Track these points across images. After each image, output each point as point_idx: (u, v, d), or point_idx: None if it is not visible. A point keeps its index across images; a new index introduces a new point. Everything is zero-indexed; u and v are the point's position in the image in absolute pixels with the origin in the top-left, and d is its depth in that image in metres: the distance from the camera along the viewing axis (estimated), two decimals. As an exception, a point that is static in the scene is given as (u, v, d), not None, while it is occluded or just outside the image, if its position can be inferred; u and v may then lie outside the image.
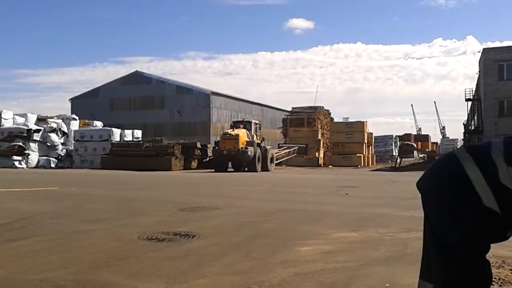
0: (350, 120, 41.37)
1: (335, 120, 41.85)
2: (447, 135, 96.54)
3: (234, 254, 4.65)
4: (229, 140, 23.89)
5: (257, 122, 27.69)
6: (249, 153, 23.68)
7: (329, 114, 41.07)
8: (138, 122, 40.97)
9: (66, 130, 29.64)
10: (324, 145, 35.88)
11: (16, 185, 12.97)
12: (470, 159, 1.79)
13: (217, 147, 24.46)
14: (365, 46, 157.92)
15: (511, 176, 1.66)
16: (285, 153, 30.20)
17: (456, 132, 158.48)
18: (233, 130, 24.66)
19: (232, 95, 52.20)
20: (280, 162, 29.60)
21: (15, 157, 26.50)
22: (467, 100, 38.88)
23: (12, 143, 26.74)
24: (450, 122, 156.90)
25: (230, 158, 24.12)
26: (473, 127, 38.90)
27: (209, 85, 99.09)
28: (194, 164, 26.23)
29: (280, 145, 34.44)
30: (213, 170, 23.98)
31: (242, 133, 24.41)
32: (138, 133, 32.08)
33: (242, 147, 23.66)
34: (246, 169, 24.68)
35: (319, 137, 34.72)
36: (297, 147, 31.26)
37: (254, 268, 4.12)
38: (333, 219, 7.13)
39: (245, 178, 18.47)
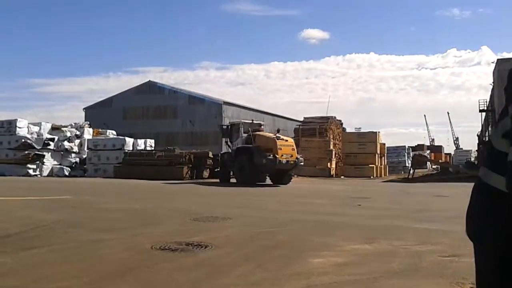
0: (362, 130, 41.17)
1: (348, 130, 41.67)
2: (460, 146, 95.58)
3: (247, 265, 4.65)
4: (287, 147, 20.21)
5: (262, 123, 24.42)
6: (302, 163, 20.96)
7: (341, 124, 40.93)
8: (151, 131, 41.20)
9: (80, 139, 29.91)
10: (336, 155, 35.70)
11: (30, 194, 13.10)
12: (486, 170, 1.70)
13: (269, 155, 19.23)
14: (378, 57, 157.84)
15: None
16: None
17: (470, 143, 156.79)
18: (275, 134, 20.95)
19: (244, 104, 52.25)
20: None
21: (29, 165, 26.78)
22: (481, 111, 38.59)
23: (26, 152, 27.05)
24: (464, 133, 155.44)
25: (282, 170, 20.12)
26: (487, 138, 38.52)
27: (221, 95, 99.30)
28: (206, 173, 26.21)
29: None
30: (241, 184, 19.43)
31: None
32: (151, 143, 32.25)
33: (298, 157, 20.50)
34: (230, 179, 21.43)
35: (331, 147, 34.56)
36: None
37: (267, 279, 4.11)
38: (346, 230, 7.09)
39: (256, 189, 18.37)
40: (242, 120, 23.34)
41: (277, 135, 20.85)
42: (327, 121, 37.33)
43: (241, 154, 20.43)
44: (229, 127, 22.87)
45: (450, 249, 5.50)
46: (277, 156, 19.28)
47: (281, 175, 20.47)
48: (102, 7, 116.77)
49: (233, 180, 21.40)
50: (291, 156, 20.04)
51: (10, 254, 4.94)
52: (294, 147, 20.67)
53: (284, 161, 19.55)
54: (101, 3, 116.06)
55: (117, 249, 5.34)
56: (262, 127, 22.85)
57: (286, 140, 20.66)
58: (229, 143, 22.60)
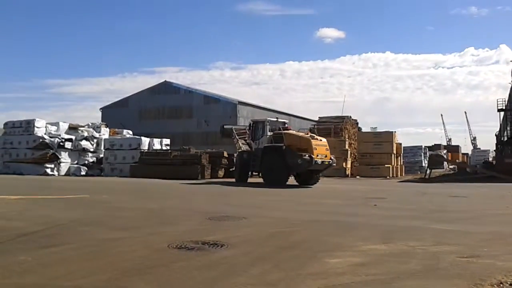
0: (378, 130, 40.95)
1: (363, 130, 41.46)
2: (478, 146, 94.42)
3: (263, 264, 4.65)
4: (322, 146, 19.32)
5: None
6: (335, 163, 20.33)
7: (357, 124, 40.71)
8: (166, 131, 41.47)
9: (96, 139, 30.22)
10: (352, 155, 35.53)
11: (48, 193, 13.28)
12: None
13: (305, 155, 18.33)
14: (394, 56, 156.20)
15: None
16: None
17: (488, 143, 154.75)
18: (308, 133, 20.35)
19: (259, 104, 52.41)
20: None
21: (47, 165, 27.16)
22: (499, 110, 37.99)
23: (44, 151, 27.43)
24: (482, 133, 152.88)
25: (316, 170, 19.60)
26: (505, 138, 37.95)
27: (236, 94, 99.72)
28: (220, 173, 26.33)
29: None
30: (268, 184, 18.73)
31: None
32: (167, 142, 32.44)
33: (331, 157, 19.84)
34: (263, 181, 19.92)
35: (347, 147, 34.40)
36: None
37: (283, 279, 4.11)
38: (362, 231, 7.05)
39: (271, 189, 18.27)
40: (268, 118, 22.29)
41: (311, 134, 20.16)
42: (342, 121, 37.15)
43: (269, 154, 19.48)
44: (252, 125, 21.92)
45: (468, 250, 5.45)
46: (313, 156, 18.50)
47: (310, 175, 19.85)
48: (118, 9, 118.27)
49: (250, 180, 21.25)
50: (325, 156, 19.26)
51: (30, 252, 5.01)
52: (328, 147, 19.81)
53: (319, 161, 18.81)
54: (117, 6, 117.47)
55: (134, 248, 5.38)
56: (286, 125, 22.06)
57: (321, 140, 19.78)
58: (248, 141, 22.08)
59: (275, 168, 19.02)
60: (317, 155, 18.69)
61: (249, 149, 22.12)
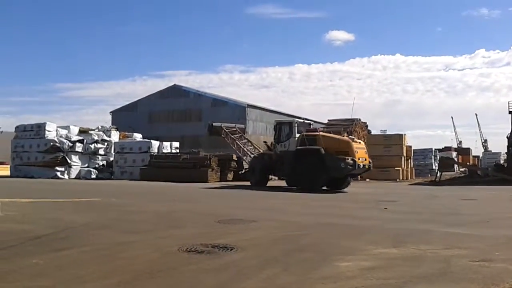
0: (388, 132, 40.69)
1: (373, 132, 41.19)
2: (489, 149, 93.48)
3: (273, 268, 4.65)
4: (361, 150, 18.41)
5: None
6: (372, 168, 19.54)
7: (366, 126, 40.46)
8: (176, 134, 41.51)
9: (106, 142, 30.38)
10: (361, 158, 35.34)
11: (59, 196, 13.37)
12: None
13: (348, 159, 17.23)
14: (404, 58, 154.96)
15: None
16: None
17: (499, 146, 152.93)
18: (346, 136, 19.65)
19: (268, 107, 52.31)
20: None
21: (57, 168, 27.35)
22: (510, 112, 37.66)
23: (55, 154, 27.63)
24: (493, 135, 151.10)
25: (349, 175, 18.49)
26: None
27: (245, 97, 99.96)
28: (230, 176, 26.34)
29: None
30: (303, 190, 17.14)
31: None
32: (176, 145, 32.52)
33: (370, 160, 19.12)
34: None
35: (356, 150, 34.20)
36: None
37: (293, 283, 4.10)
38: (373, 234, 7.02)
39: (280, 192, 18.15)
40: (296, 119, 21.04)
41: (351, 136, 19.18)
42: (352, 123, 36.97)
43: (303, 157, 17.95)
44: (276, 126, 20.23)
45: (480, 254, 5.40)
46: (356, 159, 17.41)
47: (343, 180, 18.76)
48: (128, 13, 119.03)
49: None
50: (365, 159, 18.40)
51: (41, 255, 5.06)
52: (366, 150, 19.02)
53: (361, 165, 17.89)
54: (126, 10, 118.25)
55: (145, 251, 5.41)
56: (312, 126, 21.11)
57: (359, 142, 18.95)
58: (268, 143, 21.58)
59: (311, 173, 17.57)
60: (359, 159, 17.68)
61: (268, 151, 21.48)
